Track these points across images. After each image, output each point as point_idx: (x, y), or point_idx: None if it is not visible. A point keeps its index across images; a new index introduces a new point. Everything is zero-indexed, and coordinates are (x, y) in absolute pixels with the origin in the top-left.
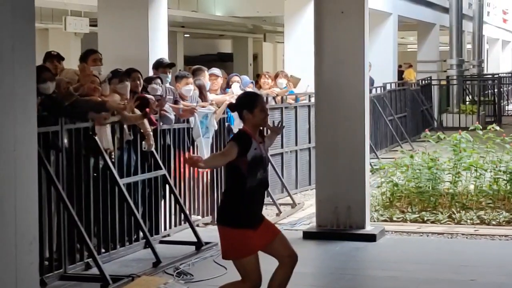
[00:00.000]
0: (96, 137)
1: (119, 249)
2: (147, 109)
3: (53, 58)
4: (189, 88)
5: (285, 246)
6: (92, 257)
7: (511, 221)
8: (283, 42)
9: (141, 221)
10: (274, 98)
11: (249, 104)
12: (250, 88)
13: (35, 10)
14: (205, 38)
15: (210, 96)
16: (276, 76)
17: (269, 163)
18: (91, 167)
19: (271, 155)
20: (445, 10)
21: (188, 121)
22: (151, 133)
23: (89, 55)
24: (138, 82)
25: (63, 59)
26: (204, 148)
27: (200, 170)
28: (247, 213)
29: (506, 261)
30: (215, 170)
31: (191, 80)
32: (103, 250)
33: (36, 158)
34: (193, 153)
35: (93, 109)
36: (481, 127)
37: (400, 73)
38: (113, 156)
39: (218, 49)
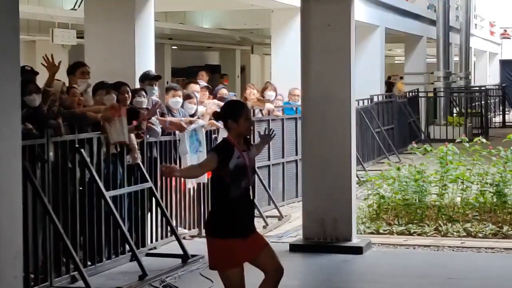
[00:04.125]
0: (82, 150)
1: (105, 262)
2: (135, 122)
3: (28, 73)
4: (176, 100)
5: (272, 259)
6: (78, 270)
7: (497, 233)
8: (271, 54)
9: (127, 234)
10: (261, 110)
11: (233, 113)
12: None
13: (22, 22)
14: (192, 50)
15: (199, 108)
16: (265, 88)
17: (255, 173)
18: (77, 180)
19: (258, 168)
20: (432, 22)
21: (174, 134)
22: (137, 146)
23: (77, 68)
24: (127, 95)
25: (37, 73)
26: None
27: (187, 184)
28: (233, 223)
29: (492, 274)
30: (202, 183)
31: (179, 92)
32: (89, 263)
33: (20, 171)
34: (179, 165)
35: (74, 121)
36: (467, 140)
37: (389, 85)
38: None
39: (205, 61)
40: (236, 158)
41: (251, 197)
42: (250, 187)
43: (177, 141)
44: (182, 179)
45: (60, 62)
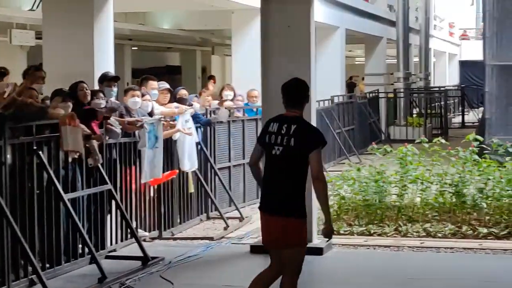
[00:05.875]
0: (40, 152)
1: (64, 264)
2: (94, 122)
3: None
4: (135, 101)
5: None
6: (36, 273)
7: (456, 233)
8: (231, 55)
9: (86, 236)
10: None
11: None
12: (195, 102)
13: None
14: (153, 51)
15: (159, 109)
16: (222, 89)
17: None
18: (35, 182)
19: (219, 169)
20: (392, 23)
21: (134, 135)
22: (97, 149)
23: (32, 73)
24: (86, 91)
25: (5, 74)
26: (155, 159)
27: (147, 184)
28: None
29: (451, 274)
30: (161, 184)
31: (137, 92)
32: (47, 266)
33: None
34: (139, 166)
35: (33, 115)
36: (427, 140)
37: (350, 86)
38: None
39: (166, 61)
40: None
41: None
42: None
43: (137, 142)
44: (140, 182)
45: None
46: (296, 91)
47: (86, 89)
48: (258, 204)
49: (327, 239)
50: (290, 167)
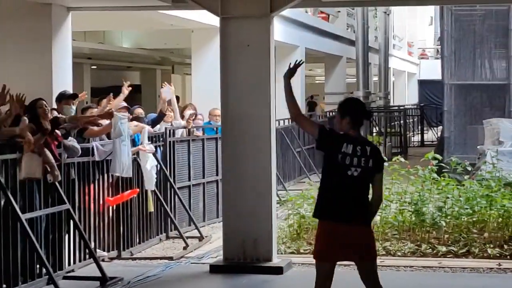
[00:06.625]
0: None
1: (21, 285)
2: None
3: None
4: None
5: None
6: None
7: (416, 252)
8: (191, 74)
9: (43, 256)
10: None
11: None
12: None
13: None
14: (112, 70)
15: None
16: (185, 108)
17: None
18: None
19: (178, 188)
20: (352, 42)
21: (93, 154)
22: (55, 164)
23: None
24: (46, 109)
25: None
26: (122, 154)
27: (106, 203)
28: None
29: None
30: (120, 204)
31: (95, 110)
32: (4, 286)
33: None
34: (101, 183)
35: None
36: (387, 159)
37: (311, 104)
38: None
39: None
40: None
41: None
42: None
43: (94, 162)
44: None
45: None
46: (364, 112)
47: (46, 106)
48: (218, 223)
49: None
50: (365, 185)
